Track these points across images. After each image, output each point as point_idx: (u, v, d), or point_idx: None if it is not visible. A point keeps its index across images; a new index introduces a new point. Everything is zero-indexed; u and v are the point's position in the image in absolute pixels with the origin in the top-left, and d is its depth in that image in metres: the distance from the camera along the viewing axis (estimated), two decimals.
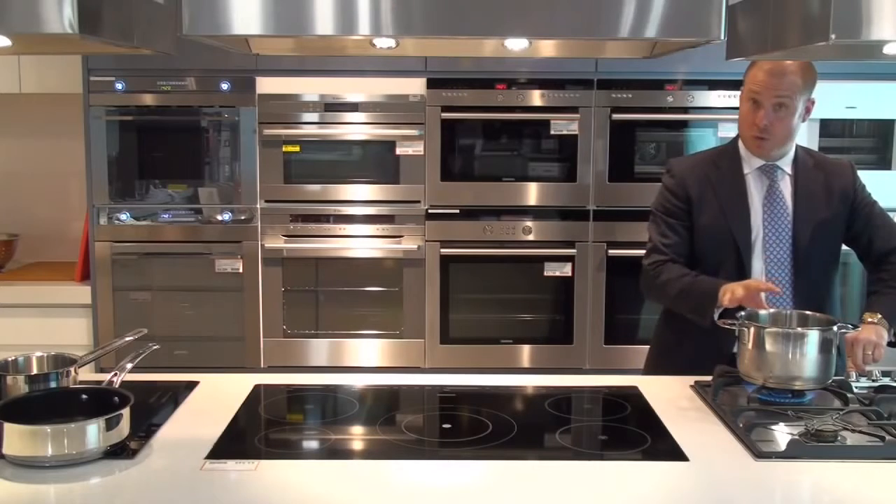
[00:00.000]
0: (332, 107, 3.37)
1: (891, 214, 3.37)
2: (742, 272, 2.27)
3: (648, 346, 2.53)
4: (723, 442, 1.75)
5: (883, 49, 1.87)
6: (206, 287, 3.41)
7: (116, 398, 1.69)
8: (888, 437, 1.74)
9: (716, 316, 2.15)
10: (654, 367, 2.44)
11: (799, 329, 2.01)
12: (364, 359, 3.46)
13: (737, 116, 3.28)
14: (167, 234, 3.41)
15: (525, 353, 3.45)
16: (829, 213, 2.31)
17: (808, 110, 2.30)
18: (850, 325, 2.03)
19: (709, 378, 2.09)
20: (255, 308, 3.43)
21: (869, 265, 2.38)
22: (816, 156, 2.42)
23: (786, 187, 2.32)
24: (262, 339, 3.44)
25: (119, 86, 3.33)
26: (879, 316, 2.17)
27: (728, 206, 2.30)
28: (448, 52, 2.53)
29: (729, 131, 3.35)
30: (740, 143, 2.36)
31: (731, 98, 3.35)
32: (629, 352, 3.37)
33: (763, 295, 2.09)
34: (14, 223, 3.84)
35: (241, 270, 3.41)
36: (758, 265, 2.29)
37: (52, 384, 1.81)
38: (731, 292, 2.08)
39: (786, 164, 2.33)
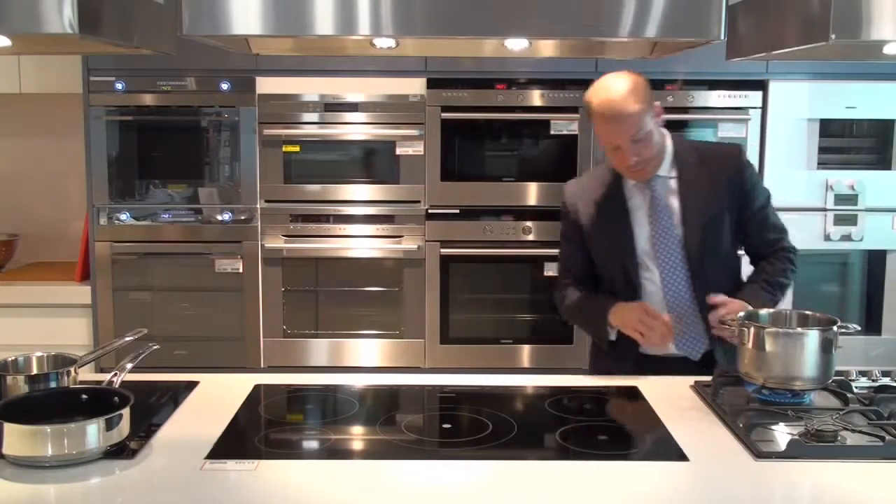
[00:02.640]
0: (332, 107, 3.37)
1: (890, 215, 3.40)
2: (632, 289, 2.27)
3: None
4: (723, 442, 1.75)
5: (883, 49, 1.87)
6: (206, 287, 3.41)
7: (116, 398, 1.69)
8: (888, 437, 1.74)
9: (612, 336, 2.27)
10: (595, 365, 2.45)
11: (799, 329, 2.01)
12: (364, 359, 3.46)
13: (737, 116, 3.35)
14: (167, 234, 3.41)
15: (525, 353, 3.45)
16: (717, 208, 2.26)
17: (658, 115, 2.22)
18: (849, 325, 2.03)
19: (708, 378, 2.09)
20: (255, 308, 3.43)
21: (752, 255, 2.38)
22: (701, 149, 2.35)
23: (670, 193, 2.27)
24: (262, 339, 3.44)
25: (119, 86, 3.33)
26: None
27: (613, 228, 2.30)
28: (448, 52, 2.53)
29: (729, 131, 3.36)
30: None
31: (731, 98, 3.35)
32: None
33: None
34: (14, 223, 3.84)
35: (241, 270, 3.41)
36: (655, 277, 2.27)
37: (52, 384, 1.81)
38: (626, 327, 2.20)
39: (665, 170, 2.27)
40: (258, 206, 3.39)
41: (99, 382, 1.85)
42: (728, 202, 2.27)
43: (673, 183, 2.28)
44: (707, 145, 2.46)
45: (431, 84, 3.34)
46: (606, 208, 2.32)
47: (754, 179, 2.33)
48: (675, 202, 2.27)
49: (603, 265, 2.35)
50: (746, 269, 2.41)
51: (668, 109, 3.33)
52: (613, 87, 2.16)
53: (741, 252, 2.41)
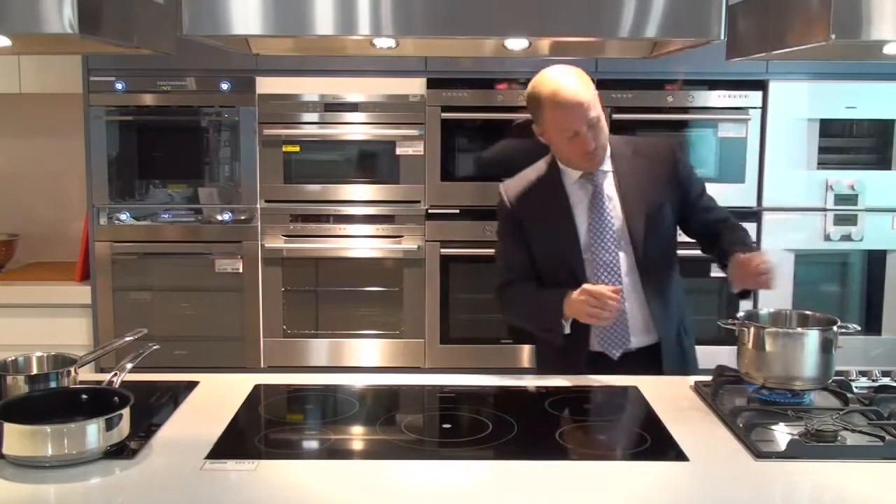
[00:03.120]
0: (332, 107, 3.37)
1: (890, 215, 3.40)
2: (578, 284, 2.23)
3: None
4: (723, 442, 1.75)
5: (883, 49, 1.88)
6: (206, 287, 3.41)
7: (116, 398, 1.69)
8: (888, 437, 1.74)
9: (566, 329, 2.21)
10: (542, 364, 2.44)
11: (799, 329, 2.01)
12: (364, 359, 3.46)
13: (737, 116, 3.35)
14: (167, 234, 3.41)
15: (525, 353, 3.45)
16: (656, 197, 2.29)
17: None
18: (849, 325, 2.03)
19: (708, 378, 2.09)
20: (255, 308, 3.43)
21: (704, 236, 2.37)
22: (635, 143, 2.39)
23: (610, 187, 2.30)
24: (262, 339, 3.44)
25: (119, 86, 3.33)
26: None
27: (555, 226, 2.29)
28: (448, 52, 2.53)
29: (729, 131, 3.36)
30: (558, 160, 2.33)
31: (731, 98, 3.35)
32: None
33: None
34: (14, 223, 3.84)
35: (241, 270, 3.41)
36: (590, 274, 2.27)
37: (52, 384, 1.81)
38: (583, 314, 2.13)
39: (605, 165, 2.30)
40: (258, 206, 3.39)
41: (99, 382, 1.85)
42: (666, 191, 2.31)
43: (611, 176, 2.30)
44: (639, 139, 2.47)
45: (431, 84, 3.34)
46: (548, 205, 2.31)
47: (689, 169, 2.38)
48: (614, 194, 2.29)
49: (546, 262, 2.33)
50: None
51: (668, 109, 3.36)
52: (562, 76, 2.19)
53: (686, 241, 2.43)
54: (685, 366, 2.33)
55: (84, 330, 3.44)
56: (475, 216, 3.40)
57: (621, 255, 2.27)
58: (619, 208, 2.28)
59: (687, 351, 2.37)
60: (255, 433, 1.82)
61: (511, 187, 2.40)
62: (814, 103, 3.35)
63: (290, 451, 1.74)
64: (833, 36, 1.54)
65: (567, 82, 2.18)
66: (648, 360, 2.28)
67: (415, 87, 3.35)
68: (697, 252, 2.44)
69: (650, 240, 2.28)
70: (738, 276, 2.12)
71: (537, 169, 2.40)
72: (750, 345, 1.96)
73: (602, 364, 2.26)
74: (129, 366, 1.86)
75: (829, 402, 1.99)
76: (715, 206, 2.40)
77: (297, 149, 3.38)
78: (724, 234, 2.30)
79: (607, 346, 2.28)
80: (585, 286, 2.16)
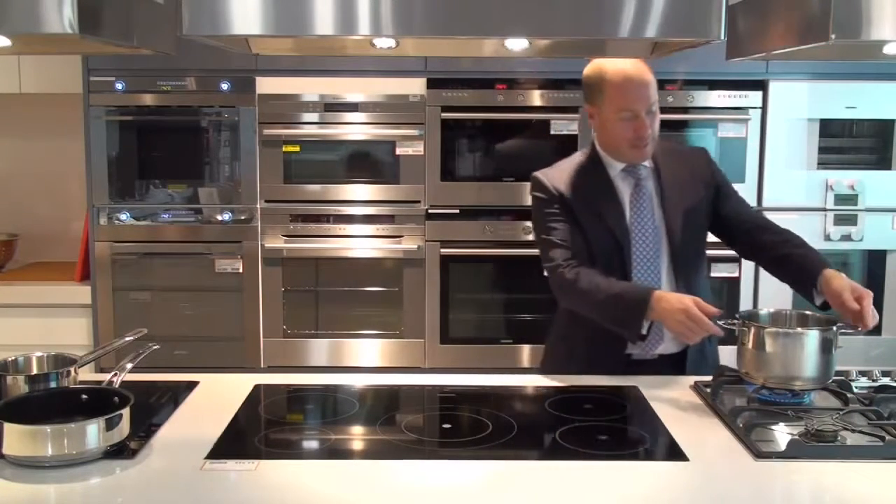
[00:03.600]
0: (332, 107, 3.37)
1: (890, 215, 3.40)
2: (626, 273, 2.21)
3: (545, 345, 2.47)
4: (723, 442, 1.75)
5: (883, 49, 1.87)
6: (206, 287, 3.41)
7: (116, 398, 1.69)
8: (888, 437, 1.74)
9: (644, 329, 2.08)
10: (552, 365, 2.36)
11: (799, 329, 2.01)
12: (364, 359, 3.46)
13: (737, 116, 3.35)
14: (167, 234, 3.41)
15: (525, 353, 3.45)
16: (694, 197, 2.28)
17: None
18: (848, 326, 2.02)
19: (708, 378, 2.09)
20: (255, 308, 3.43)
21: (740, 237, 2.33)
22: (671, 145, 2.38)
23: (651, 183, 2.29)
24: (262, 339, 3.44)
25: (119, 86, 3.33)
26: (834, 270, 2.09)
27: (603, 209, 2.25)
28: (448, 52, 2.53)
29: (729, 131, 3.36)
30: (600, 151, 2.30)
31: (731, 98, 3.35)
32: None
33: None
34: (14, 223, 3.84)
35: (241, 270, 3.41)
36: (628, 270, 2.24)
37: (52, 384, 1.81)
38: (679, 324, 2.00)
39: (647, 160, 2.29)
40: (258, 206, 3.39)
41: (99, 382, 1.85)
42: (703, 195, 2.30)
43: (652, 174, 2.29)
44: (674, 143, 2.45)
45: (431, 84, 3.34)
46: (594, 193, 2.27)
47: (723, 175, 2.38)
48: (654, 191, 2.28)
49: (596, 250, 2.24)
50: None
51: (669, 109, 3.35)
52: (629, 59, 2.17)
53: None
54: (707, 371, 2.24)
55: (84, 330, 3.44)
56: (475, 216, 3.40)
57: (652, 253, 2.24)
58: (659, 206, 2.27)
59: (708, 356, 2.32)
60: (255, 433, 1.82)
61: (552, 176, 2.32)
62: (814, 103, 3.35)
63: (290, 451, 1.74)
64: (833, 36, 1.54)
65: (634, 63, 2.17)
66: (672, 365, 2.25)
67: (415, 87, 3.35)
68: None
69: (686, 240, 2.26)
70: (835, 303, 2.05)
71: (575, 160, 2.35)
72: (750, 345, 1.96)
73: (627, 366, 2.23)
74: (129, 366, 1.86)
75: (829, 402, 1.99)
76: (747, 204, 2.38)
77: (297, 149, 3.38)
78: (789, 249, 2.25)
79: (644, 346, 2.23)
80: (697, 299, 2.02)
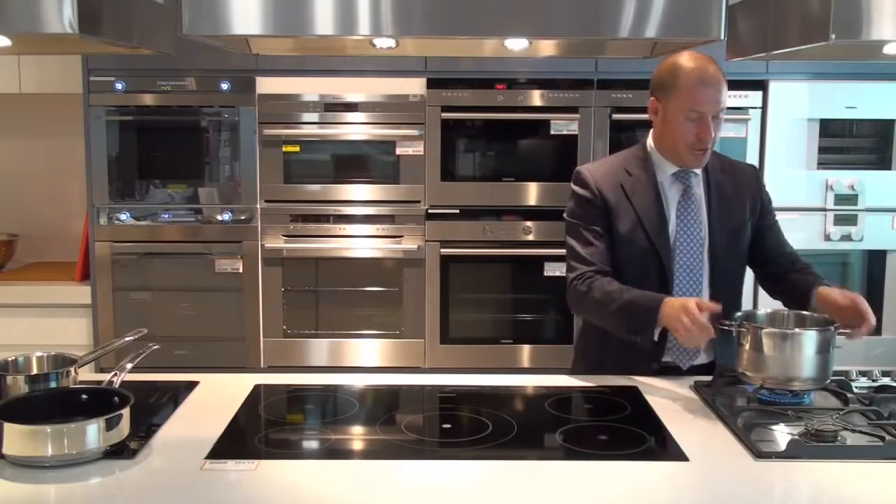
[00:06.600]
0: (332, 107, 3.37)
1: (890, 215, 3.40)
2: (665, 281, 2.19)
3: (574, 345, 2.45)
4: (723, 442, 1.76)
5: (883, 49, 1.88)
6: (206, 287, 3.41)
7: (116, 398, 1.69)
8: (888, 437, 1.74)
9: (656, 335, 2.09)
10: (581, 366, 2.34)
11: (796, 330, 2.01)
12: (364, 359, 3.46)
13: (737, 116, 3.35)
14: (167, 234, 3.41)
15: (525, 353, 3.45)
16: (741, 217, 2.26)
17: None
18: (848, 327, 2.02)
19: (708, 378, 2.09)
20: (255, 308, 3.43)
21: (760, 263, 2.33)
22: (722, 158, 2.34)
23: (699, 191, 2.24)
24: (262, 339, 3.44)
25: (119, 86, 3.33)
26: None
27: (645, 214, 2.20)
28: (448, 52, 2.53)
29: (729, 131, 3.36)
30: (651, 150, 2.26)
31: (731, 98, 3.32)
32: None
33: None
34: (14, 223, 3.84)
35: (241, 270, 3.41)
36: (671, 273, 2.21)
37: (52, 384, 1.81)
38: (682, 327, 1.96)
39: (697, 168, 2.25)
40: (258, 206, 3.39)
41: (99, 382, 1.85)
42: (749, 212, 2.27)
43: (702, 184, 2.25)
44: (725, 157, 2.38)
45: (431, 84, 3.34)
46: (639, 194, 2.21)
47: (769, 196, 2.35)
48: (702, 201, 2.24)
49: (633, 254, 2.21)
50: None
51: None
52: (708, 59, 2.13)
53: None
54: None
55: (84, 330, 3.44)
56: (475, 216, 3.40)
57: (695, 261, 2.21)
58: (706, 216, 2.23)
59: None
60: (255, 433, 1.82)
61: (597, 172, 2.26)
62: (814, 103, 3.35)
63: (290, 451, 1.74)
64: (833, 36, 1.54)
65: (713, 64, 2.13)
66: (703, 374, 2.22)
67: (415, 87, 3.35)
68: None
69: (729, 255, 2.24)
70: (835, 312, 2.06)
71: (624, 157, 2.30)
72: (748, 346, 1.96)
73: (657, 374, 2.19)
74: (129, 366, 1.86)
75: (829, 402, 1.99)
76: (784, 240, 2.35)
77: (297, 149, 3.38)
78: (799, 275, 2.25)
79: (678, 356, 2.22)
80: (698, 299, 2.01)
